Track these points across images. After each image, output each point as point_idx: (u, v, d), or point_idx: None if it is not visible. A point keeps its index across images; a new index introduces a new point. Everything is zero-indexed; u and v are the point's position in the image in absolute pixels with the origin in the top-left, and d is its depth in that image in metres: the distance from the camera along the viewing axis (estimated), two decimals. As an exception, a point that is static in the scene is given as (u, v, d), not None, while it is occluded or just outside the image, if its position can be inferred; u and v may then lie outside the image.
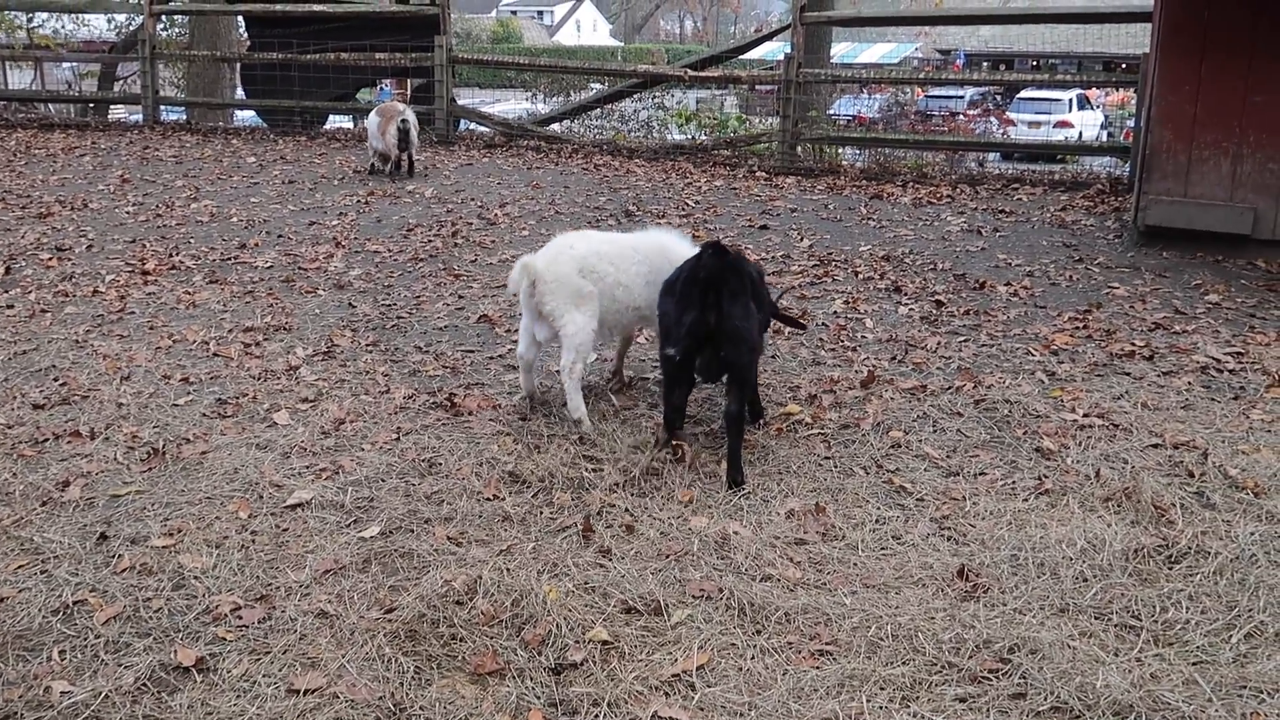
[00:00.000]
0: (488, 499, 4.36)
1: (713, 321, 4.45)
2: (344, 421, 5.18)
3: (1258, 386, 5.62)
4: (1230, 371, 5.86)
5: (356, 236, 8.96)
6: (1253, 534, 4.01)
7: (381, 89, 21.63)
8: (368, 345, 6.35)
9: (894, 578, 3.80)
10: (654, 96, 16.64)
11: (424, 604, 3.51)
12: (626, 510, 4.26)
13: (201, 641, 3.41)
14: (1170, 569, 3.84)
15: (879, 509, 4.32)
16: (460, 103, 15.03)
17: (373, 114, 11.77)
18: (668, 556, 3.91)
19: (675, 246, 5.28)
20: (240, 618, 3.53)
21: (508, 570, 3.72)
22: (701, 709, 3.10)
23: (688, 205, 10.30)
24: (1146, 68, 9.93)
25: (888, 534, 4.13)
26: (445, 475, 4.58)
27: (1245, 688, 3.16)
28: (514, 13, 69.53)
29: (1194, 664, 3.30)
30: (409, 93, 17.24)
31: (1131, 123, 13.58)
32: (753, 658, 3.32)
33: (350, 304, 7.14)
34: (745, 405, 4.77)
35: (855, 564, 3.91)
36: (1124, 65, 22.73)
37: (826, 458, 4.80)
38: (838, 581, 3.77)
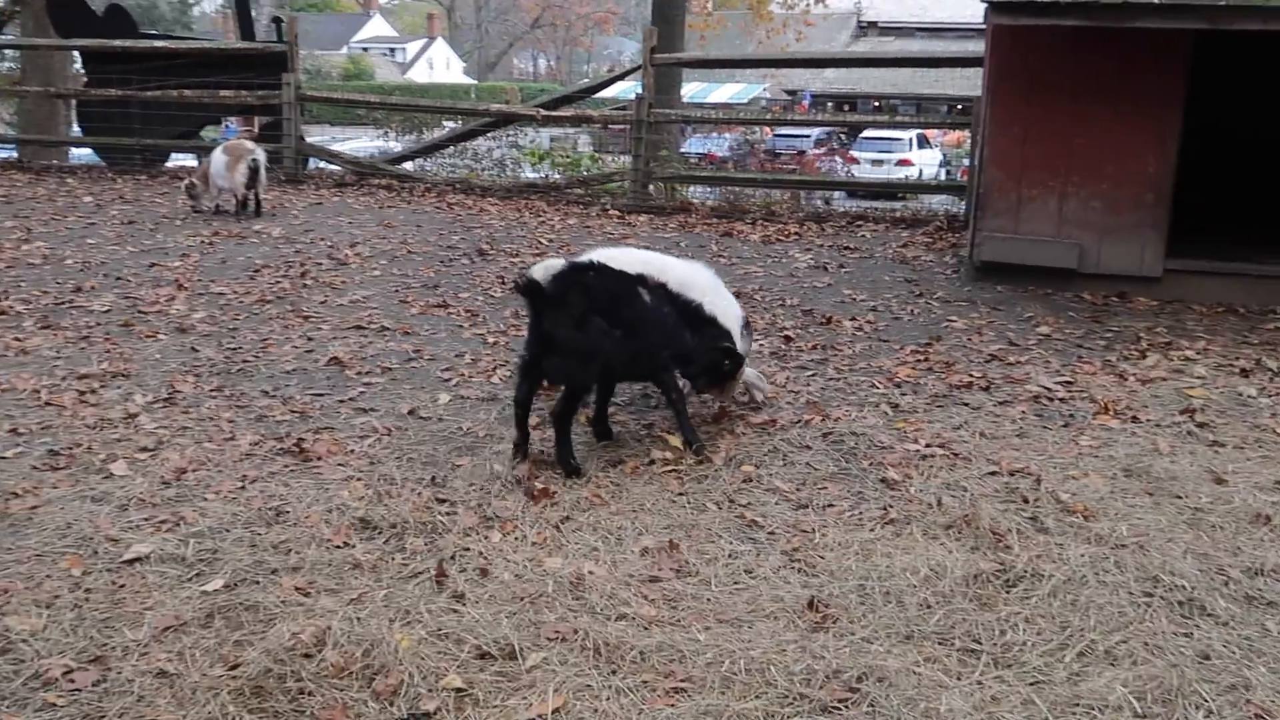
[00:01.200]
0: (337, 547, 4.25)
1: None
2: (186, 470, 4.99)
3: (1085, 414, 5.91)
4: (1060, 400, 6.14)
5: (200, 278, 8.69)
6: (1083, 556, 4.20)
7: (227, 127, 21.09)
8: (211, 391, 6.14)
9: (746, 611, 3.85)
10: (508, 135, 16.65)
11: (270, 658, 3.39)
12: (481, 554, 4.22)
13: (30, 709, 3.23)
14: (1008, 592, 3.99)
15: (731, 544, 4.37)
16: (310, 140, 14.79)
17: (218, 152, 11.41)
18: (523, 599, 3.88)
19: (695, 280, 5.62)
20: (73, 681, 3.35)
21: (358, 619, 3.64)
22: (557, 753, 3.07)
23: (541, 243, 10.32)
24: (979, 110, 10.40)
25: (740, 568, 4.18)
26: (293, 523, 4.45)
27: (1079, 705, 3.30)
28: (365, 49, 68.70)
29: (1031, 684, 3.42)
30: (256, 130, 16.86)
31: (967, 161, 14.19)
32: (608, 699, 3.31)
33: (193, 348, 6.91)
34: (566, 406, 5.09)
35: (709, 599, 3.94)
36: (960, 107, 23.73)
37: (680, 494, 4.85)
38: (692, 618, 3.80)
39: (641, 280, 5.24)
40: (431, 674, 3.38)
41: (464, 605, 3.83)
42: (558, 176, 14.40)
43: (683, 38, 19.61)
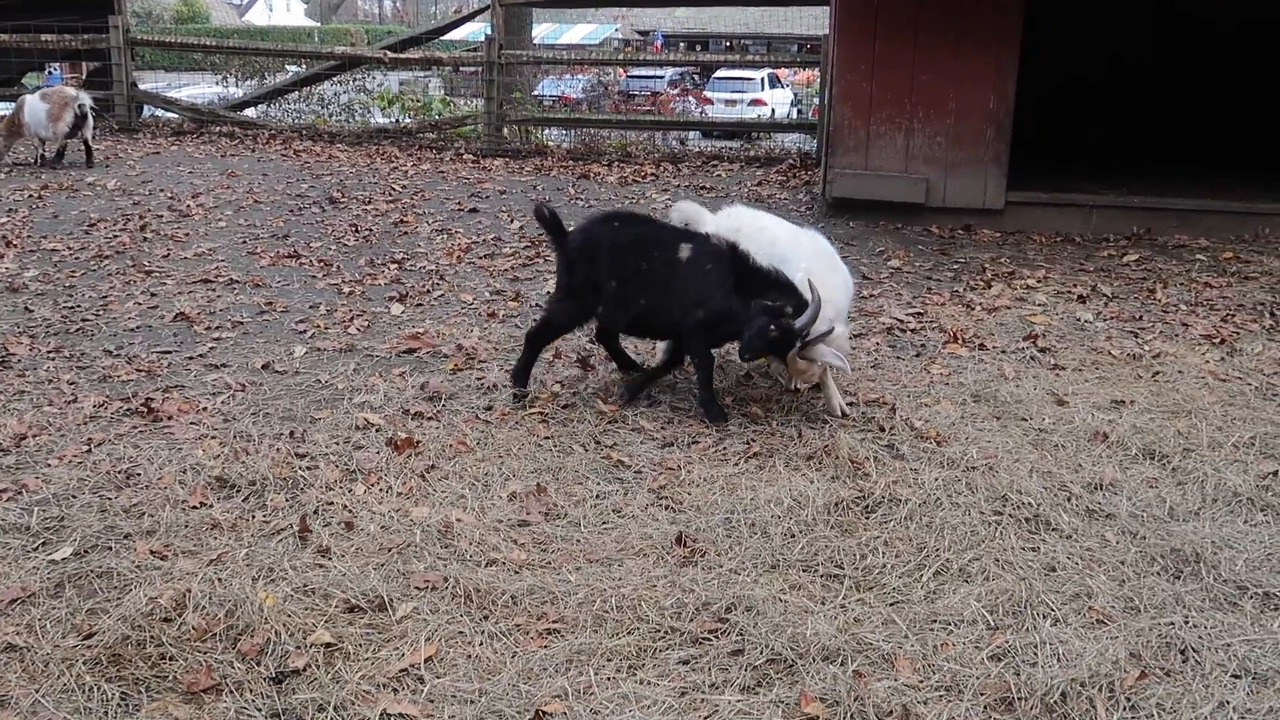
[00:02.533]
0: (194, 507, 4.12)
1: None
2: (25, 436, 4.75)
3: (935, 344, 6.11)
4: (912, 331, 6.34)
5: (30, 234, 8.23)
6: (937, 480, 4.36)
7: (51, 73, 19.91)
8: (49, 352, 5.85)
9: (616, 550, 3.88)
10: (355, 79, 16.17)
11: (127, 625, 3.28)
12: (345, 507, 4.14)
13: None
14: (867, 518, 4.12)
15: (599, 484, 4.39)
16: (143, 87, 14.09)
17: (35, 99, 10.68)
18: (390, 550, 3.83)
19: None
20: (-88, 662, 3.19)
21: (219, 580, 3.54)
22: (431, 701, 3.06)
23: (394, 190, 10.10)
24: (828, 49, 10.53)
25: (608, 508, 4.21)
26: (145, 486, 4.29)
27: (935, 621, 3.44)
28: (199, -9, 65.54)
29: (891, 604, 3.56)
30: (84, 76, 15.97)
31: (818, 100, 14.39)
32: (481, 644, 3.31)
33: (27, 308, 6.56)
34: (537, 330, 5.27)
35: (578, 540, 3.96)
36: (810, 46, 23.98)
37: (546, 438, 4.84)
38: (562, 559, 3.82)
39: (685, 236, 5.06)
40: (299, 631, 3.32)
41: (330, 560, 3.76)
42: (409, 121, 14.08)
43: (532, -24, 19.28)
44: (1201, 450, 4.68)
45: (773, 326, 4.63)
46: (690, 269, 4.92)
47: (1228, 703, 3.01)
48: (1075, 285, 7.35)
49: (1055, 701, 3.02)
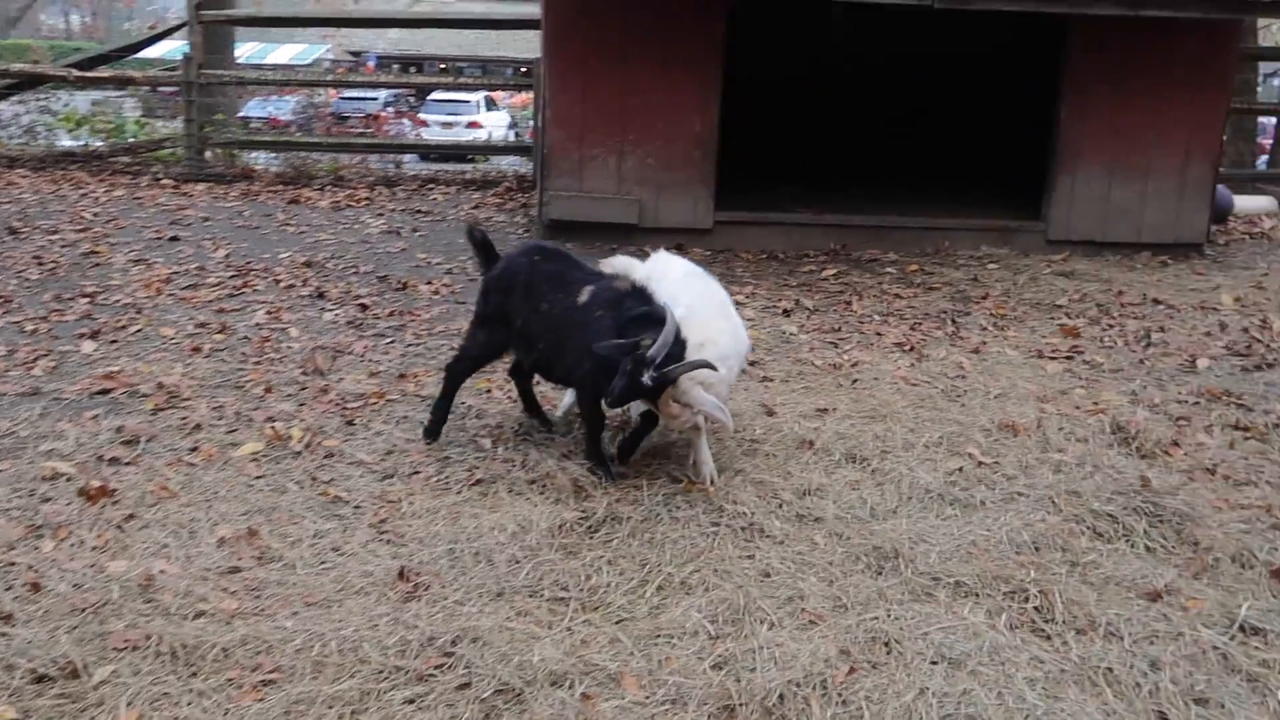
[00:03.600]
0: None
1: None
2: None
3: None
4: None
5: None
6: (657, 496, 4.45)
7: None
8: None
9: (335, 591, 3.73)
10: (38, 99, 14.89)
11: None
12: (30, 567, 3.77)
13: None
14: (591, 538, 4.14)
15: (316, 523, 4.21)
16: None
17: None
18: (83, 610, 3.52)
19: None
20: None
21: (-122, 662, 3.15)
22: (134, 772, 2.83)
23: (84, 219, 9.38)
24: (541, 72, 10.61)
25: (326, 547, 4.04)
26: None
27: (659, 635, 3.50)
28: None
29: (617, 623, 3.59)
30: None
31: (533, 123, 14.50)
32: (189, 703, 3.09)
33: None
34: (453, 362, 5.10)
35: (295, 584, 3.78)
36: (524, 69, 24.15)
37: (258, 477, 4.60)
38: (277, 605, 3.63)
39: (592, 279, 4.65)
40: (-24, 709, 3.00)
41: (12, 627, 3.41)
42: (100, 144, 13.14)
43: (233, -6, 18.49)
44: (897, 451, 4.99)
45: (628, 361, 4.13)
46: (584, 314, 4.51)
47: (927, 689, 3.21)
48: (780, 299, 7.71)
49: (774, 704, 3.12)
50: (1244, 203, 11.83)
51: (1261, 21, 16.23)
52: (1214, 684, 3.30)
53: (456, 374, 5.04)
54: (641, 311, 4.34)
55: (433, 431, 4.99)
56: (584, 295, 4.56)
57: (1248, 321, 7.55)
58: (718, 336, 4.52)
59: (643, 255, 5.24)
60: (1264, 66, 20.37)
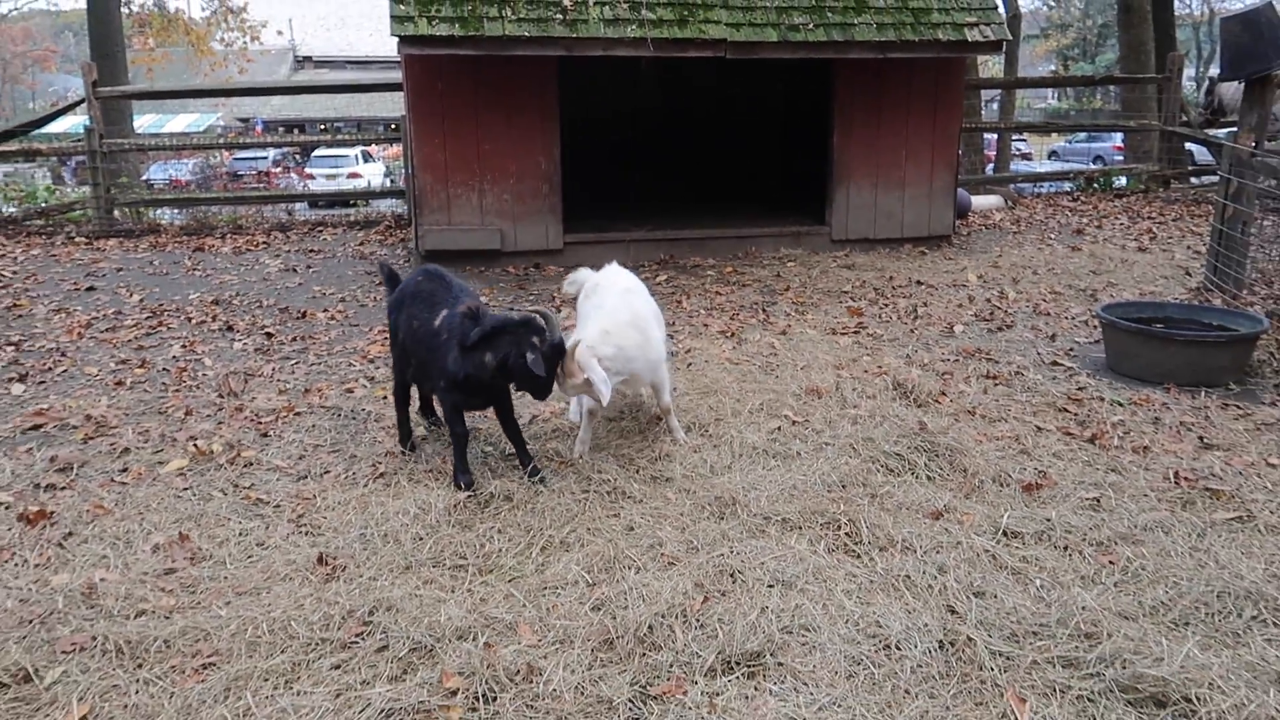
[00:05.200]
0: None
1: None
2: None
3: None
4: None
5: None
6: (538, 474, 4.39)
7: None
8: None
9: (263, 580, 3.56)
10: (-49, 173, 13.84)
11: None
12: (-22, 588, 3.49)
13: None
14: (483, 512, 4.06)
15: (241, 523, 4.01)
16: None
17: None
18: (30, 621, 3.27)
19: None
20: None
21: None
22: (91, 758, 2.64)
23: (4, 276, 8.72)
24: (407, 127, 10.37)
25: (252, 543, 3.86)
26: None
27: (546, 588, 3.46)
28: None
29: (509, 581, 3.53)
30: None
31: (405, 170, 14.16)
32: (137, 692, 2.90)
33: None
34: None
35: (226, 577, 3.59)
36: (393, 125, 23.56)
37: (185, 489, 4.36)
38: (212, 597, 3.44)
39: (449, 302, 4.31)
40: (-64, 721, 2.75)
41: (-35, 643, 3.15)
42: (14, 210, 12.24)
43: (126, 72, 17.50)
44: (727, 419, 5.06)
45: (531, 355, 4.00)
46: (435, 337, 4.26)
47: (767, 607, 3.25)
48: (624, 303, 7.72)
49: (645, 634, 3.12)
50: (979, 201, 12.45)
51: (981, 58, 17.06)
52: (988, 579, 3.45)
53: (395, 393, 4.78)
54: (508, 327, 4.08)
55: (402, 441, 4.76)
56: (438, 319, 4.30)
57: (989, 294, 7.94)
58: (622, 340, 4.36)
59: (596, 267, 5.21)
60: (985, 94, 21.51)
